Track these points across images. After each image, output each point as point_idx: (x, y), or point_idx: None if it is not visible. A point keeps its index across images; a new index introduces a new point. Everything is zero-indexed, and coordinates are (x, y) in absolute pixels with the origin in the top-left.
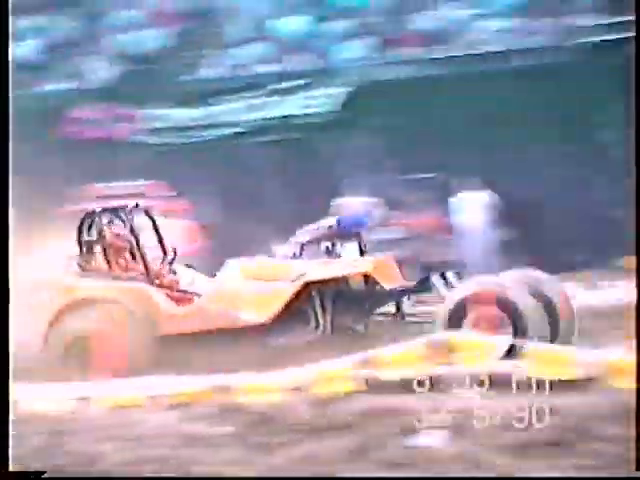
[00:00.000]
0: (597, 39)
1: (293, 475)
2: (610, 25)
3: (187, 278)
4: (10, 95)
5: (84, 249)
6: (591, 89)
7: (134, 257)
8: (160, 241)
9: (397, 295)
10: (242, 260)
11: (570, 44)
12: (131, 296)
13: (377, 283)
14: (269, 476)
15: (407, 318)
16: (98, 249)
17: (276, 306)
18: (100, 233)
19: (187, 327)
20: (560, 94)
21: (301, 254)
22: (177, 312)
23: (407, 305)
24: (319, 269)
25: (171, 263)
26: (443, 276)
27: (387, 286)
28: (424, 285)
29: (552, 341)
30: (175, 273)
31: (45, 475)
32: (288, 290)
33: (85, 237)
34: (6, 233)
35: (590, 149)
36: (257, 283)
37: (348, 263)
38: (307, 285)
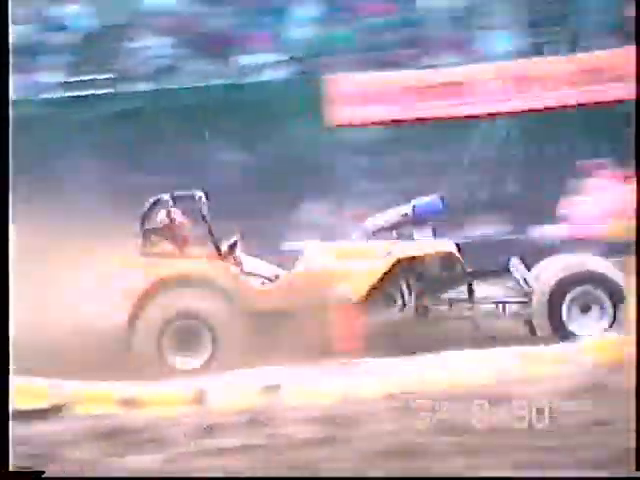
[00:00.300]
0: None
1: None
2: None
3: (250, 264)
4: (10, 97)
5: (151, 236)
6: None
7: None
8: (210, 231)
9: (475, 277)
10: (322, 244)
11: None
12: (222, 272)
13: (455, 265)
14: (270, 476)
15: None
16: (165, 236)
17: (369, 282)
18: (169, 219)
19: (278, 303)
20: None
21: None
22: (268, 288)
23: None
24: (406, 248)
25: (233, 251)
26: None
27: (468, 268)
28: (502, 268)
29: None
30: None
31: (45, 475)
32: (381, 266)
33: (153, 223)
34: (6, 232)
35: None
36: (349, 260)
37: (432, 243)
38: (395, 264)
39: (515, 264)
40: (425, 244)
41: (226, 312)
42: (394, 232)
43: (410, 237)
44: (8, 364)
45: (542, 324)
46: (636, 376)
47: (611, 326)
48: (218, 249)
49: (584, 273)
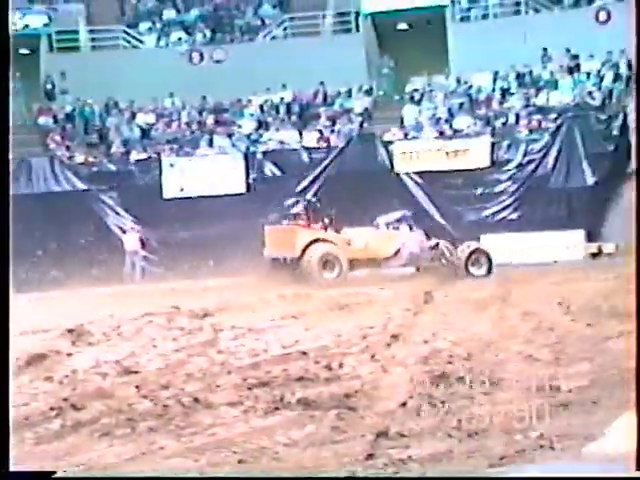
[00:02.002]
0: None
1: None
2: None
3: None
4: (10, 96)
5: (291, 218)
6: None
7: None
8: (322, 216)
9: (432, 249)
10: (372, 231)
11: None
12: (336, 238)
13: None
14: (270, 476)
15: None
16: (301, 218)
17: (395, 248)
18: (305, 209)
19: (358, 256)
20: None
21: (387, 228)
22: (353, 249)
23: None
24: (411, 237)
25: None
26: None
27: (429, 244)
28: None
29: None
30: None
31: (52, 476)
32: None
33: (293, 211)
34: (7, 231)
35: None
36: (386, 239)
37: (420, 233)
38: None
39: (442, 244)
40: (420, 234)
41: (342, 255)
42: (392, 225)
43: (397, 228)
44: (8, 365)
45: (461, 269)
46: (636, 372)
47: (487, 273)
48: (324, 225)
49: (477, 249)
